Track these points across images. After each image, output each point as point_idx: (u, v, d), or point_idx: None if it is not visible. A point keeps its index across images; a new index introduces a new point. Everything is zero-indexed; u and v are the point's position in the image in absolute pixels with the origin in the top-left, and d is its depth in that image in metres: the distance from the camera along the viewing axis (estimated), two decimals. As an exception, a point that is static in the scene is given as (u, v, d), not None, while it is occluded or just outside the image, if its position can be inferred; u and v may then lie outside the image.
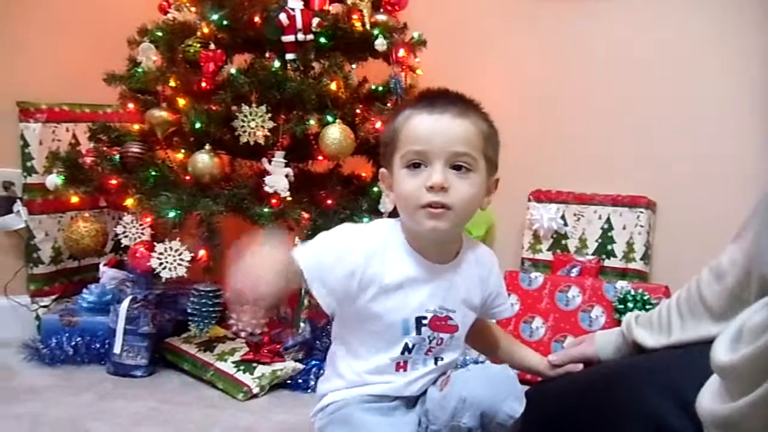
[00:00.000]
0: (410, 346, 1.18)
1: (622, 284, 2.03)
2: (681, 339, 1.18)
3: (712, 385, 0.94)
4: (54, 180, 2.00)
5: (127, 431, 1.56)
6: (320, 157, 2.06)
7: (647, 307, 1.95)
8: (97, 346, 1.97)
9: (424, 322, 1.17)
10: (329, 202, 2.03)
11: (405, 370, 1.20)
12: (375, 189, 2.07)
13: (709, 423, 0.92)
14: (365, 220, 1.94)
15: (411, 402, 1.22)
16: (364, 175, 2.24)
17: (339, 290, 1.14)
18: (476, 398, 1.10)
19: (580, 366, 1.31)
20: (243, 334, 2.04)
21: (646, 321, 1.27)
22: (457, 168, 1.12)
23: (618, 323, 1.94)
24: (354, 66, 2.15)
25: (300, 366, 1.90)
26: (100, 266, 2.18)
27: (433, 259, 1.18)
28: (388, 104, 2.13)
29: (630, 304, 1.97)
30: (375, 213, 2.00)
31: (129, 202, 1.90)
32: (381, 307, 1.16)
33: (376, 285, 1.15)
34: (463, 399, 1.11)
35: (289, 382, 1.89)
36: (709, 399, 0.92)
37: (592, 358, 1.32)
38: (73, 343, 1.96)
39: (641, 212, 2.16)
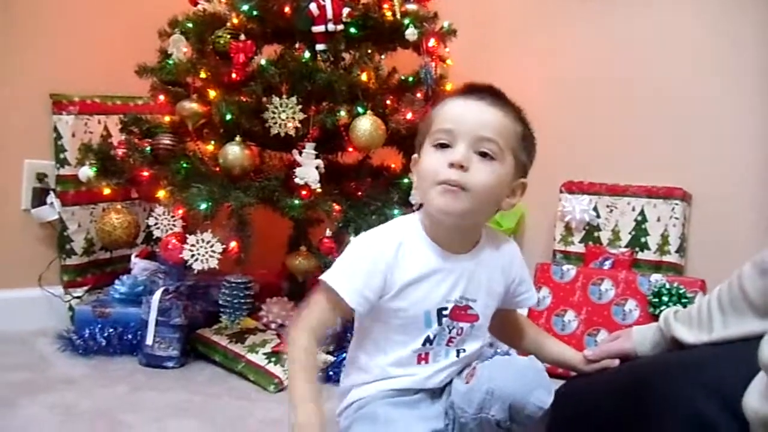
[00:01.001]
0: (432, 337, 1.17)
1: (656, 277, 2.00)
2: (723, 335, 1.16)
3: (759, 383, 0.91)
4: (87, 172, 2.01)
5: (159, 423, 1.57)
6: (350, 149, 2.05)
7: (683, 300, 1.92)
8: (129, 337, 1.98)
9: (445, 312, 1.17)
10: (359, 193, 2.03)
11: (427, 362, 1.19)
12: (405, 180, 2.05)
13: (756, 423, 0.89)
14: (396, 212, 1.93)
15: (436, 393, 1.21)
16: (393, 166, 2.23)
17: (374, 297, 1.14)
18: (504, 390, 1.09)
19: (617, 362, 1.29)
20: (273, 325, 2.04)
21: (686, 317, 1.24)
22: (482, 154, 1.11)
23: (652, 317, 1.94)
24: (383, 56, 2.14)
25: (331, 358, 1.90)
26: (132, 257, 2.19)
27: (453, 249, 1.18)
28: (418, 95, 2.12)
29: (665, 298, 1.94)
30: (406, 205, 1.99)
31: (161, 194, 1.91)
32: (405, 301, 1.15)
33: (401, 280, 1.14)
34: (491, 391, 1.10)
35: (319, 374, 1.88)
36: (757, 398, 0.90)
37: (630, 354, 1.30)
38: (106, 334, 1.97)
39: (676, 204, 2.12)
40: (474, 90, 1.16)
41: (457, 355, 1.20)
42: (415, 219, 1.20)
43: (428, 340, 1.17)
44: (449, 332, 1.18)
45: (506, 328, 1.35)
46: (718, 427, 0.99)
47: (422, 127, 1.20)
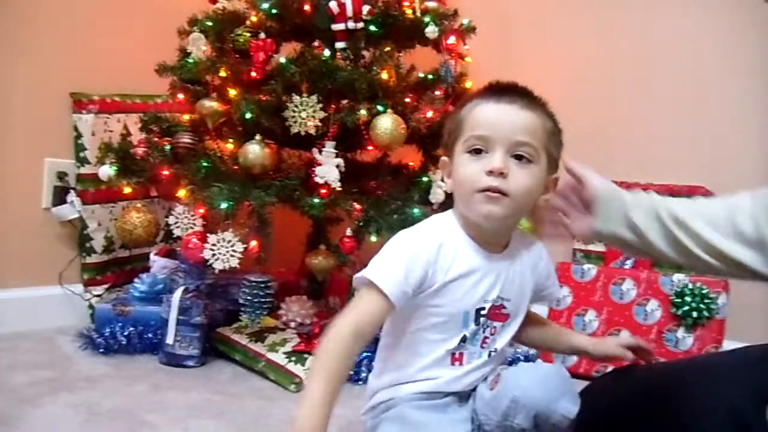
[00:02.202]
0: (468, 336, 1.17)
1: (679, 277, 1.98)
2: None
3: None
4: (107, 171, 2.01)
5: (182, 423, 1.57)
6: (370, 147, 2.04)
7: (705, 301, 1.90)
8: (150, 335, 1.98)
9: (483, 312, 1.17)
10: (379, 192, 2.02)
11: (461, 363, 1.19)
12: (425, 179, 2.04)
13: None
14: (416, 211, 1.92)
15: (463, 397, 1.21)
16: (411, 164, 2.21)
17: (412, 293, 1.13)
18: (529, 399, 1.08)
19: (630, 354, 1.29)
20: (293, 324, 2.04)
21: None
22: (518, 158, 1.11)
23: (675, 317, 1.93)
24: (401, 53, 2.12)
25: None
26: (151, 255, 2.20)
27: (489, 249, 1.18)
28: (438, 93, 2.10)
29: (688, 298, 1.92)
30: (425, 204, 1.98)
31: (182, 193, 1.90)
32: (444, 299, 1.15)
33: (442, 278, 1.14)
34: (516, 400, 1.09)
35: (347, 375, 1.88)
36: None
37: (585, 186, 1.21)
38: (126, 333, 1.98)
39: (699, 203, 2.09)
40: (503, 91, 1.15)
41: (489, 356, 1.20)
42: (452, 218, 1.20)
43: (464, 340, 1.17)
44: (484, 332, 1.18)
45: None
46: (757, 427, 0.97)
47: (450, 129, 1.19)
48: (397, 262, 1.12)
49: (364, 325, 1.09)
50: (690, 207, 1.13)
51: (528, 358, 1.96)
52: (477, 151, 1.12)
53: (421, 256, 1.13)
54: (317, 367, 1.07)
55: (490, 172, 1.10)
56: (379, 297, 1.09)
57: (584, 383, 1.31)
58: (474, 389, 1.21)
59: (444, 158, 1.21)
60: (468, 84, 2.13)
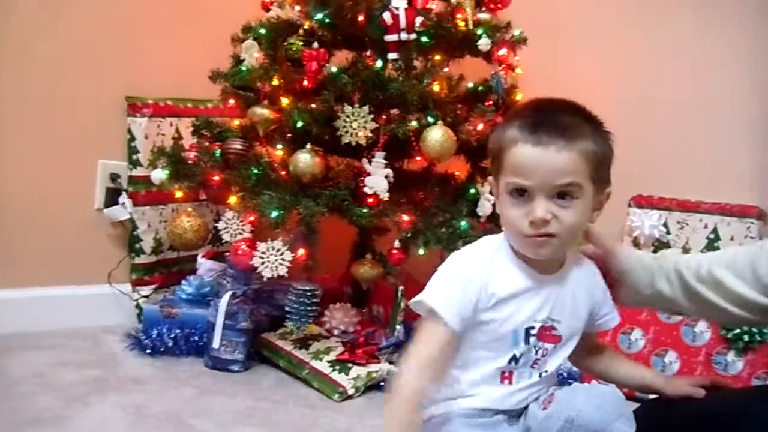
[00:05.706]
0: (518, 356, 1.16)
1: (730, 299, 1.94)
2: None
3: None
4: (159, 174, 2.04)
5: (227, 429, 1.59)
6: (418, 158, 2.04)
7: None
8: (195, 338, 2.01)
9: (533, 332, 1.16)
10: (426, 203, 2.01)
11: (510, 382, 1.17)
12: (472, 191, 2.04)
13: None
14: (463, 224, 1.91)
15: (513, 416, 1.20)
16: (457, 173, 2.21)
17: (470, 315, 1.13)
18: (585, 420, 1.07)
19: (702, 392, 1.24)
20: (336, 331, 2.05)
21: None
22: (561, 195, 1.08)
23: (725, 340, 1.89)
24: (450, 63, 2.12)
25: (395, 369, 1.89)
26: (198, 258, 2.22)
27: (541, 270, 1.16)
28: (488, 104, 2.09)
29: (739, 321, 1.88)
30: (473, 216, 1.97)
31: (232, 200, 1.92)
32: (494, 317, 1.14)
33: (493, 298, 1.13)
34: (571, 420, 1.08)
35: (383, 384, 1.88)
36: None
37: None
38: (173, 335, 2.00)
39: (752, 223, 2.05)
40: (541, 129, 1.09)
41: (539, 376, 1.19)
42: (503, 241, 1.19)
43: (514, 359, 1.16)
44: (535, 353, 1.17)
45: (584, 351, 1.33)
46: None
47: (493, 152, 1.17)
48: (452, 286, 1.12)
49: (431, 355, 1.10)
50: (716, 258, 1.23)
51: (571, 375, 1.94)
52: (519, 192, 1.10)
53: (474, 278, 1.13)
54: (391, 417, 1.09)
55: (533, 223, 1.08)
56: (440, 325, 1.10)
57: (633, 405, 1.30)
58: (525, 408, 1.20)
59: (491, 179, 1.20)
60: (519, 96, 2.11)
